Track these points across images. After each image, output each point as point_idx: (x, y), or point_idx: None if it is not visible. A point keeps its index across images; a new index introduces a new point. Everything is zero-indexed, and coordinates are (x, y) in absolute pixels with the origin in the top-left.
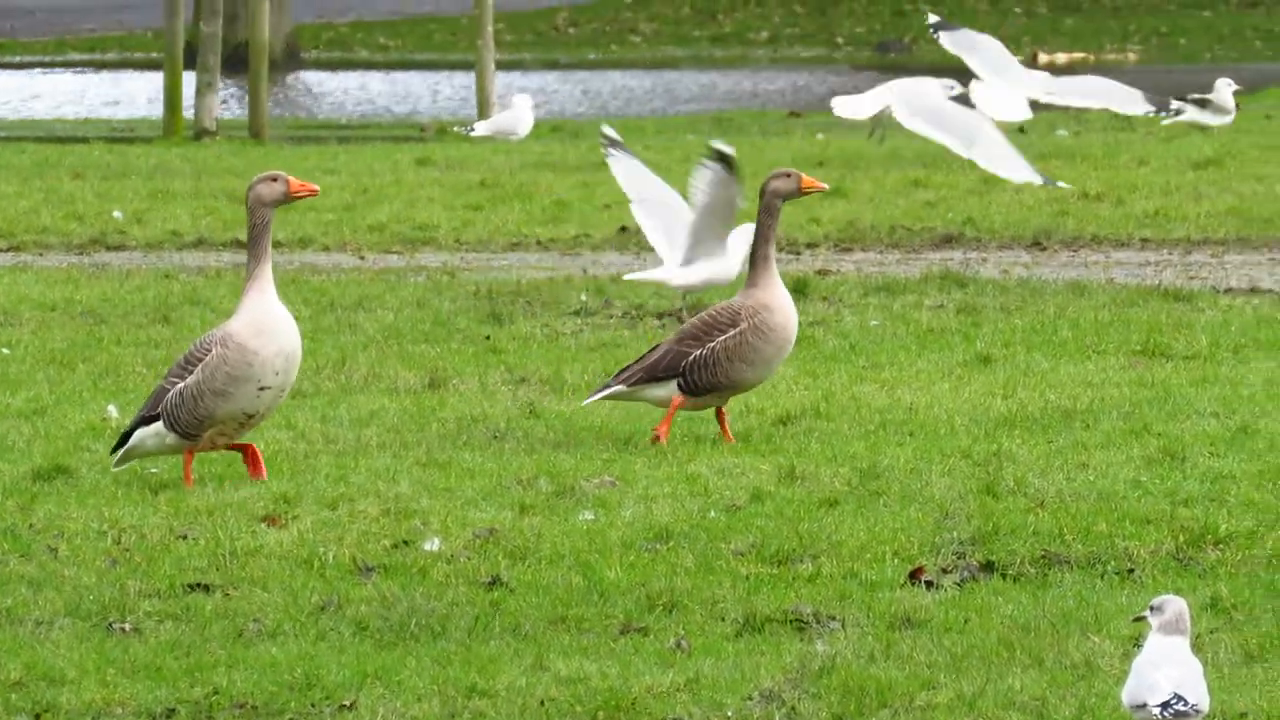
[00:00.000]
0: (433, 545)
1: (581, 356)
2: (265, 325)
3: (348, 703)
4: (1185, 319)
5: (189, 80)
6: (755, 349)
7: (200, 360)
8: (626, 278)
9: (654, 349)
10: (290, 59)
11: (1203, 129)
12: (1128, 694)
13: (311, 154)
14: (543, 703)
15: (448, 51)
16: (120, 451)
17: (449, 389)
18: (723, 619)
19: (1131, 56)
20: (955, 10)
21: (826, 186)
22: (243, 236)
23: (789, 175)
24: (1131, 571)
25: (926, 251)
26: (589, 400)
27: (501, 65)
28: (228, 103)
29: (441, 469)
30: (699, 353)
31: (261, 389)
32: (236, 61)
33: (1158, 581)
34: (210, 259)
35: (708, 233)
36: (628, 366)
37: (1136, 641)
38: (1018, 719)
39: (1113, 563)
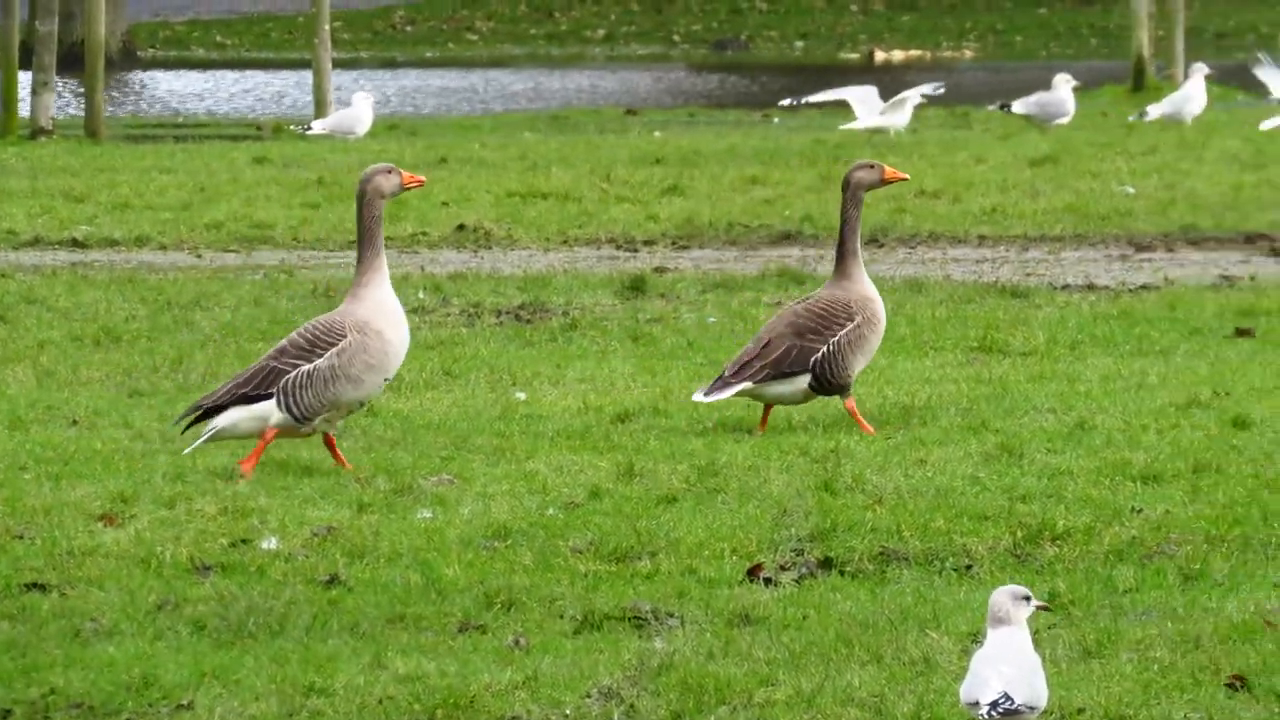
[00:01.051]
0: (270, 544)
1: (419, 355)
2: (396, 317)
3: (185, 702)
4: (1022, 315)
5: (24, 79)
6: (868, 341)
7: (331, 344)
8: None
9: (766, 343)
10: (127, 58)
11: (1041, 127)
12: (964, 691)
13: (148, 153)
14: (381, 701)
15: (285, 50)
16: (207, 431)
17: None
18: (561, 616)
19: (968, 54)
20: (792, 8)
21: (908, 176)
22: (78, 235)
23: (872, 166)
24: (969, 568)
25: (764, 248)
26: (710, 398)
27: (339, 64)
28: (64, 99)
29: (279, 467)
30: (826, 348)
31: (385, 379)
32: (72, 60)
33: (995, 577)
34: (46, 258)
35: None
36: (745, 361)
37: (974, 637)
38: (856, 715)
39: (951, 559)
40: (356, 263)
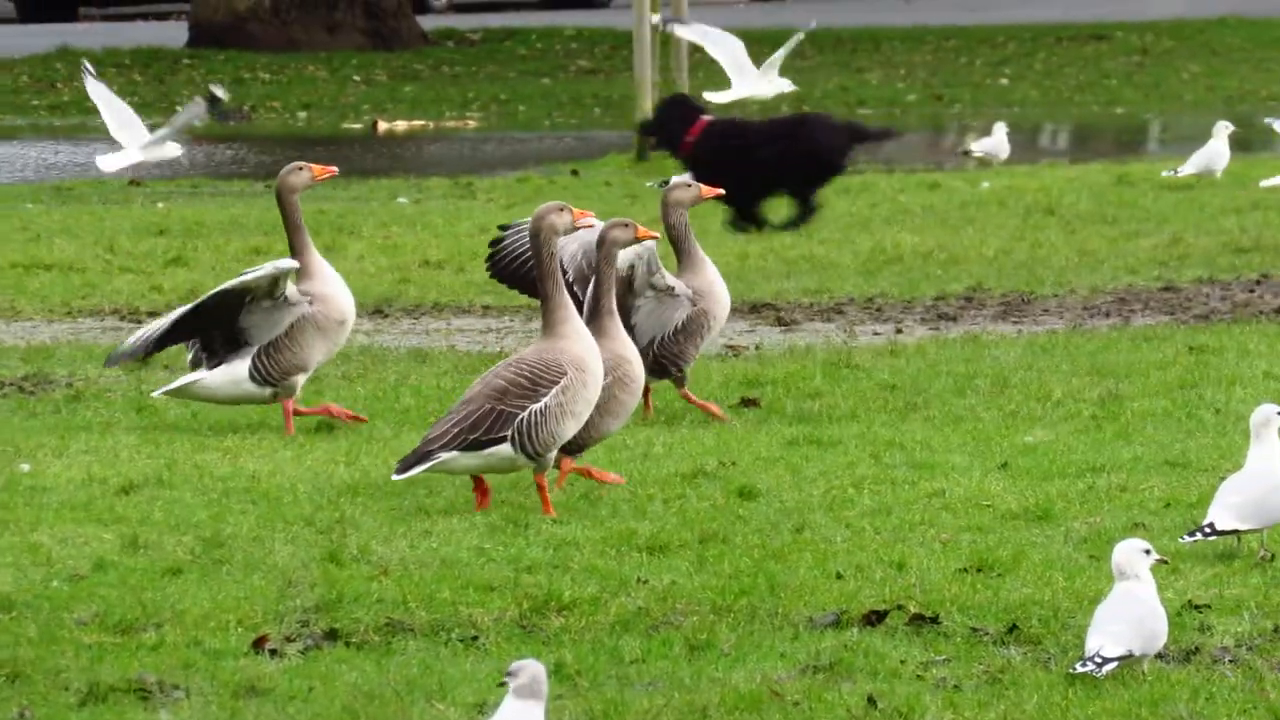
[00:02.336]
0: None
1: None
2: (596, 351)
3: None
4: None
5: None
6: (623, 403)
7: (553, 383)
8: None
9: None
10: None
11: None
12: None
13: None
14: None
15: None
16: (420, 468)
17: None
18: (66, 689)
19: (471, 124)
20: (295, 79)
21: (658, 236)
22: None
23: (627, 225)
24: (476, 639)
25: None
26: None
27: None
28: None
29: None
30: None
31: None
32: None
33: (502, 648)
34: None
35: None
36: None
37: (481, 708)
38: None
39: (457, 630)
40: (542, 300)
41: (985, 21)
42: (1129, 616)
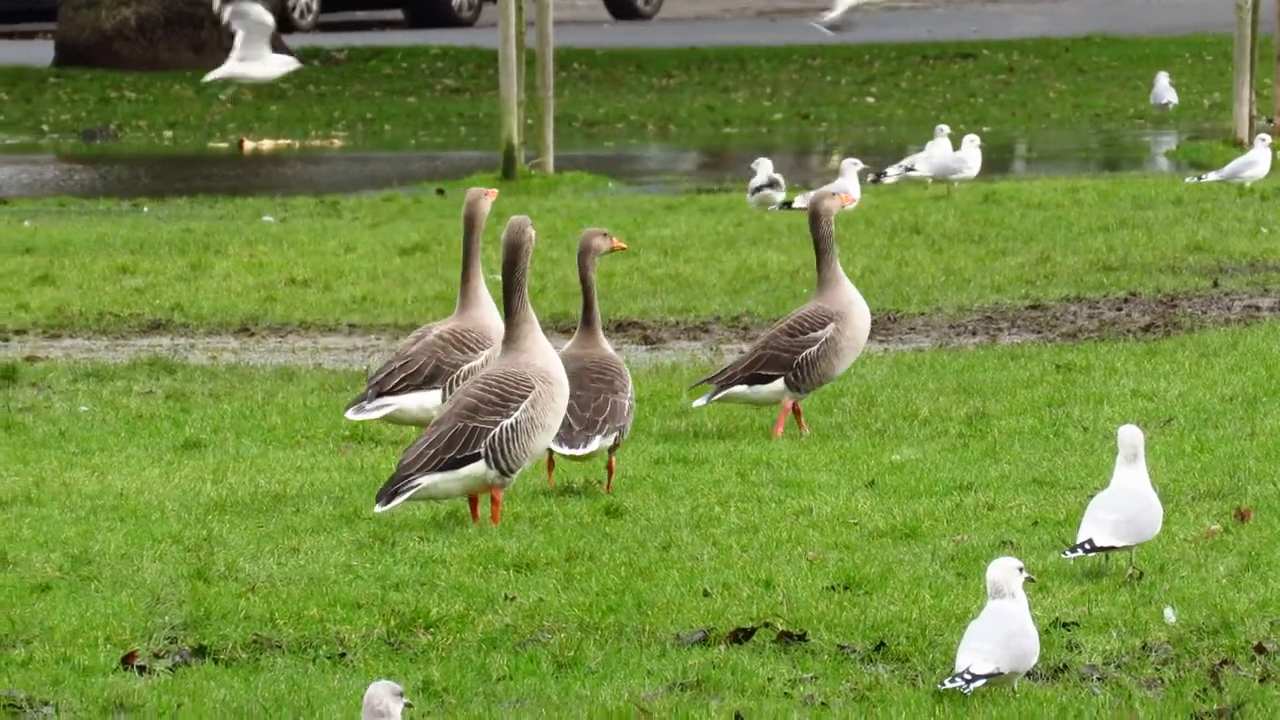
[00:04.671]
0: None
1: None
2: (558, 360)
3: None
4: None
5: None
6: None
7: (523, 397)
8: None
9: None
10: None
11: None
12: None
13: None
14: None
15: None
16: (401, 499)
17: None
18: None
19: (337, 142)
20: (161, 97)
21: (625, 246)
22: None
23: (605, 235)
24: (344, 655)
25: (135, 338)
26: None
27: None
28: None
29: None
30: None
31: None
32: None
33: (370, 665)
34: None
35: None
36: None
37: None
38: None
39: (325, 646)
40: (507, 315)
41: (851, 41)
42: (999, 634)
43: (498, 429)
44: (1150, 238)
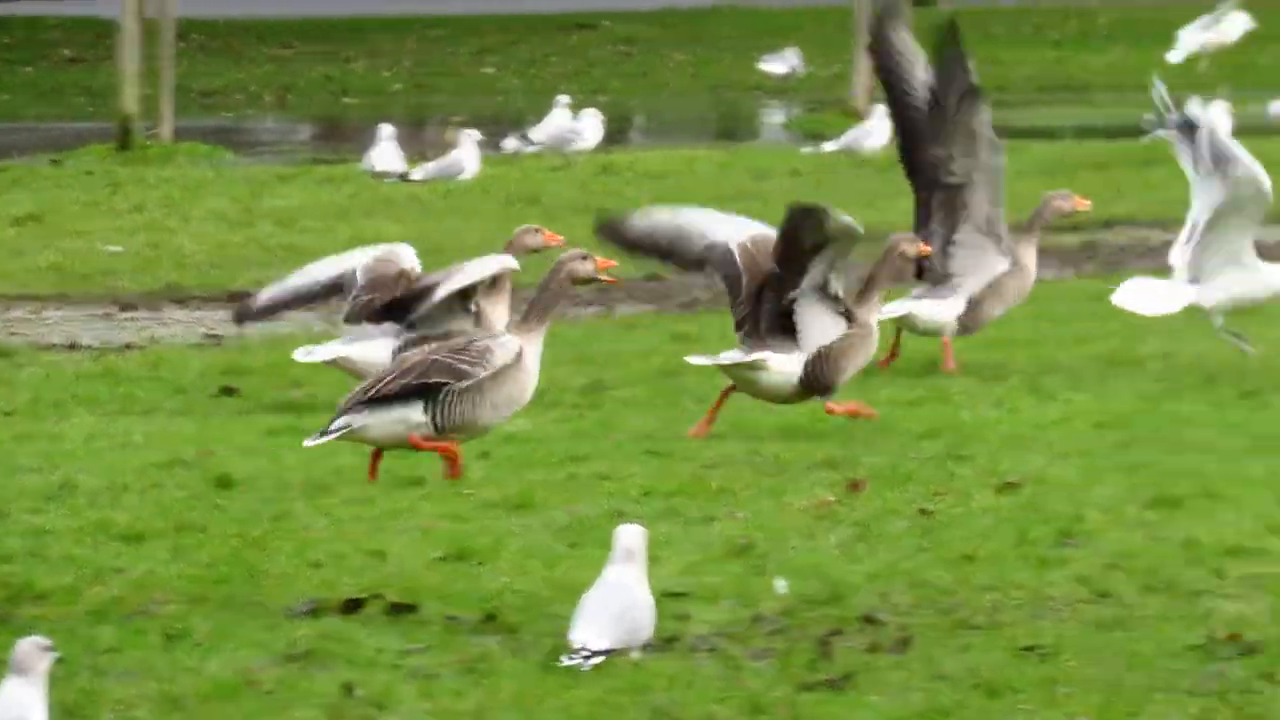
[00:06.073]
0: None
1: None
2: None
3: None
4: (5, 375)
5: None
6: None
7: (494, 366)
8: None
9: None
10: None
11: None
12: None
13: None
14: None
15: None
16: (341, 431)
17: None
18: None
19: None
20: None
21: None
22: None
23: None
24: None
25: None
26: None
27: None
28: None
29: None
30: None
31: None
32: None
33: None
34: None
35: None
36: None
37: None
38: None
39: None
40: (530, 307)
41: (471, 11)
42: (615, 608)
43: (461, 383)
44: (766, 208)
